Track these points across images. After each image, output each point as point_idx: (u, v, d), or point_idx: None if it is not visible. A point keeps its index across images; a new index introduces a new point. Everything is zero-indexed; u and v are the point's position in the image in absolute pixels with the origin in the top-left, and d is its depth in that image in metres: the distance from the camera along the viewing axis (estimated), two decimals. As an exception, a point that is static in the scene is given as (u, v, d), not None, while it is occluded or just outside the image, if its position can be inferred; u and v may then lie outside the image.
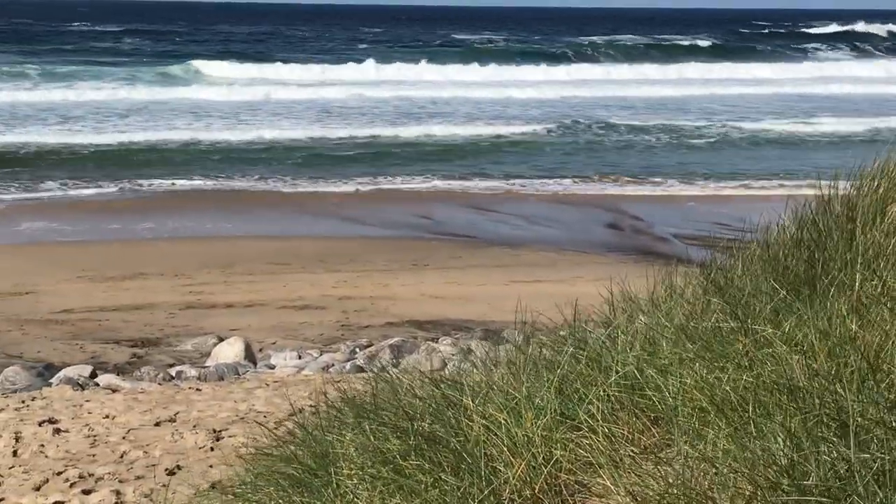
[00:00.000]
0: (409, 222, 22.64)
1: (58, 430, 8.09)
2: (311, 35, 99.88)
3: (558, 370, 4.06)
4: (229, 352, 11.61)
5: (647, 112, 44.90)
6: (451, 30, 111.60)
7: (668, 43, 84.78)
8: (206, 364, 11.38)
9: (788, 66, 69.02)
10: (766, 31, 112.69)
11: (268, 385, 9.67)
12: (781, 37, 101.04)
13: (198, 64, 56.72)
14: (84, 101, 41.07)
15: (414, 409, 4.26)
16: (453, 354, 10.67)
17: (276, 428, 5.64)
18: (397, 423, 4.12)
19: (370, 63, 60.34)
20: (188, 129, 35.74)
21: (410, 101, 45.69)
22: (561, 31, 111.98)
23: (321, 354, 11.87)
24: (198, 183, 27.10)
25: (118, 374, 10.76)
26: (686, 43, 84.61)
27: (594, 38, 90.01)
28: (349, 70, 58.16)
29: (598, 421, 3.66)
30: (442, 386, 4.32)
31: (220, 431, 7.96)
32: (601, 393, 3.79)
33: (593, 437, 3.62)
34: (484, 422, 3.86)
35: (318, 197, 25.72)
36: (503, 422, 3.83)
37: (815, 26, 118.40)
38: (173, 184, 26.64)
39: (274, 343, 12.71)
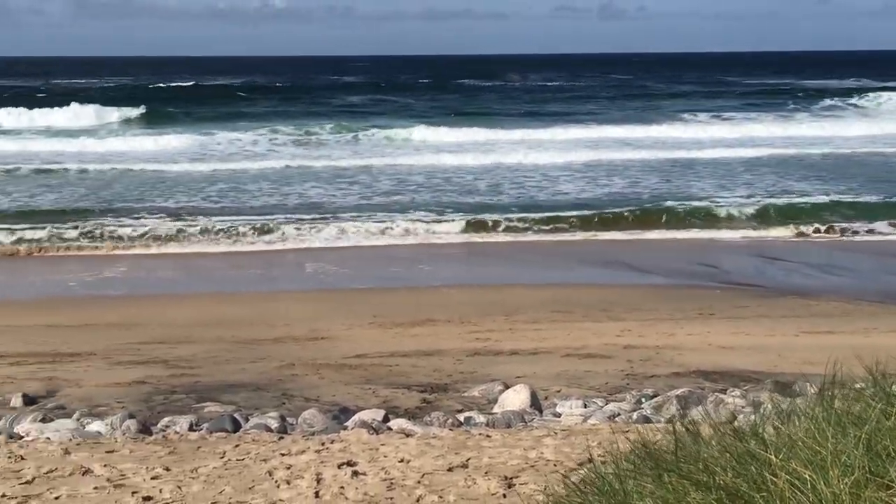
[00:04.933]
0: (692, 270, 22.35)
1: (356, 473, 8.39)
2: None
3: (866, 426, 3.94)
4: (515, 399, 11.73)
5: None
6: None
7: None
8: (494, 411, 11.54)
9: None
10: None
11: (556, 434, 9.72)
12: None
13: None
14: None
15: (714, 461, 4.21)
16: (742, 407, 10.42)
17: (566, 477, 5.67)
18: (698, 477, 4.09)
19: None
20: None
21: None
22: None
23: (607, 403, 11.83)
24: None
25: (409, 419, 11.06)
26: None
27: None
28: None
29: (912, 481, 3.53)
30: (744, 439, 4.26)
31: (511, 478, 8.06)
32: (914, 451, 3.65)
33: (907, 497, 3.49)
34: (788, 478, 3.78)
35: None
36: (808, 478, 3.75)
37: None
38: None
39: (558, 391, 12.76)
